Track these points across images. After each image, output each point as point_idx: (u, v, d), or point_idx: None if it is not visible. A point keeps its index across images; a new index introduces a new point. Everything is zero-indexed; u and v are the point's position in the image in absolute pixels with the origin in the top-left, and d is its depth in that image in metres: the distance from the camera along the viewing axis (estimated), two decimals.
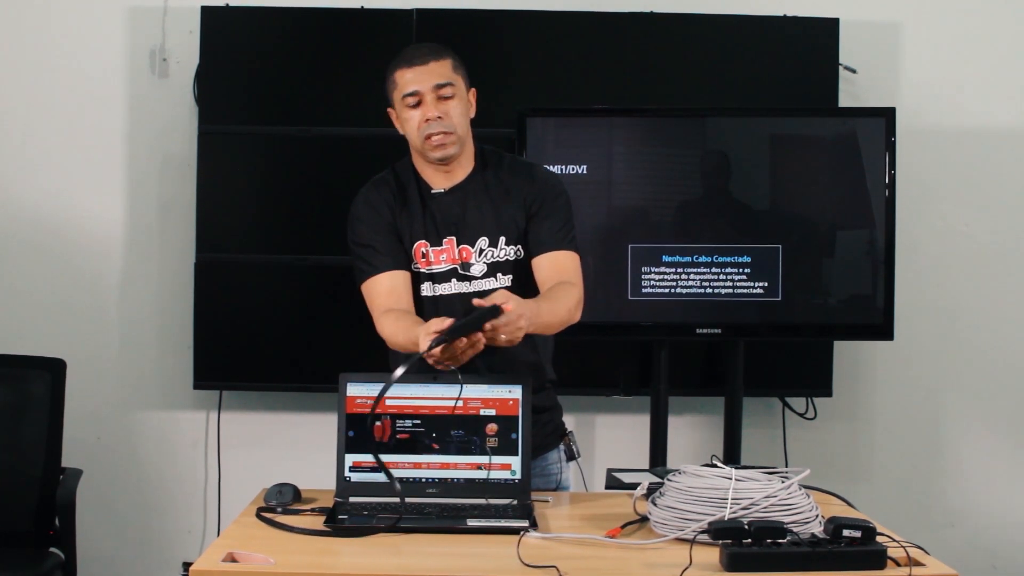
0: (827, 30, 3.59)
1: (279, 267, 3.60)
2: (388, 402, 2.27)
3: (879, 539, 1.88)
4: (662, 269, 3.27)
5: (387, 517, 2.07)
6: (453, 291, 2.43)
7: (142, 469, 3.74)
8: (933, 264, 3.74)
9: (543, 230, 2.43)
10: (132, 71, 3.69)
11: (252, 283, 3.61)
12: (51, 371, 3.19)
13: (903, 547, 1.89)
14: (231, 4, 3.59)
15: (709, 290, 3.29)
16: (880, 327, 3.33)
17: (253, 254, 3.60)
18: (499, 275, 2.44)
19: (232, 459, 3.73)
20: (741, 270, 3.29)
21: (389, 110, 2.49)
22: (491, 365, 2.35)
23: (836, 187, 3.35)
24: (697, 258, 3.28)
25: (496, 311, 2.11)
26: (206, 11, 3.56)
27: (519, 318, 2.14)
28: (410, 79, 2.40)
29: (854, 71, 3.65)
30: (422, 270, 2.44)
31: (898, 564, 1.87)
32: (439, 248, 2.44)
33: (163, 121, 3.68)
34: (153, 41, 3.68)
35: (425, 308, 2.42)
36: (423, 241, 2.44)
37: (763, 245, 3.29)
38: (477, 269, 2.44)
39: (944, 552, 2.07)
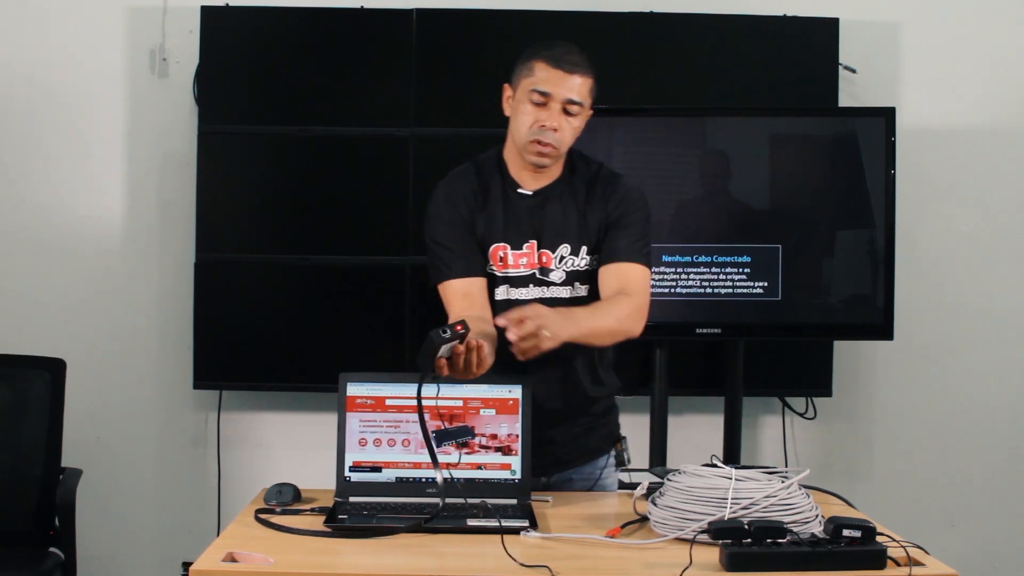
0: (827, 30, 3.59)
1: (279, 267, 3.60)
2: (388, 402, 2.27)
3: (879, 539, 1.88)
4: (662, 269, 3.27)
5: (387, 517, 2.07)
6: (531, 296, 2.36)
7: (142, 469, 3.74)
8: (933, 264, 3.75)
9: (617, 240, 2.37)
10: (132, 71, 3.69)
11: (252, 283, 3.60)
12: (51, 371, 3.19)
13: (903, 547, 1.89)
14: (231, 4, 3.59)
15: (709, 290, 3.29)
16: (880, 327, 3.33)
17: (253, 254, 3.60)
18: (577, 284, 2.38)
19: (232, 459, 3.73)
20: (741, 270, 3.29)
21: (506, 86, 2.40)
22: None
23: (836, 187, 3.35)
24: (697, 258, 3.28)
25: (444, 332, 1.98)
26: (206, 11, 3.56)
27: (536, 326, 2.05)
28: (549, 79, 2.30)
29: (854, 71, 3.65)
30: (498, 273, 2.38)
31: (898, 564, 1.87)
32: (519, 252, 2.38)
33: (163, 121, 3.68)
34: (153, 41, 3.68)
35: (498, 312, 2.33)
36: (502, 244, 2.38)
37: (763, 245, 3.29)
38: (556, 276, 2.38)
39: (944, 552, 2.07)
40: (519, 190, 2.40)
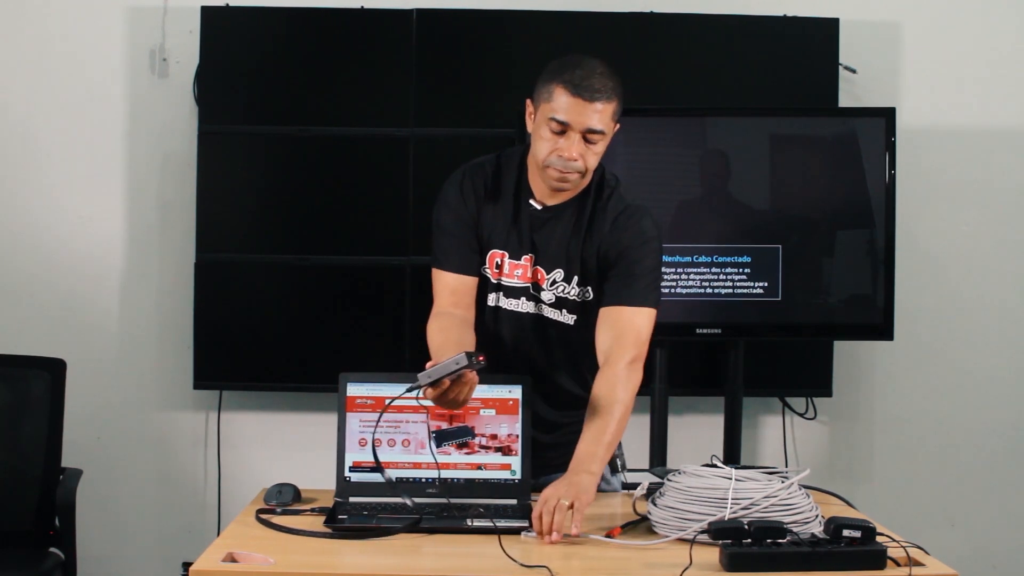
0: (827, 30, 3.59)
1: (279, 267, 3.60)
2: (388, 402, 2.27)
3: (879, 539, 1.88)
4: (662, 269, 3.26)
5: (387, 517, 2.07)
6: (522, 309, 2.34)
7: (142, 469, 3.74)
8: (933, 264, 3.74)
9: (616, 286, 2.28)
10: (132, 71, 3.69)
11: (252, 283, 3.61)
12: (51, 371, 3.18)
13: (903, 547, 1.89)
14: (231, 4, 3.59)
15: (709, 290, 3.28)
16: (880, 327, 3.33)
17: (253, 254, 3.60)
18: (564, 311, 2.34)
19: (232, 459, 3.73)
20: (741, 270, 3.29)
21: (528, 102, 2.30)
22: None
23: (836, 187, 3.35)
24: (697, 258, 3.28)
25: (472, 359, 1.99)
26: (206, 11, 3.56)
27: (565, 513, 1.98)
28: (569, 107, 2.17)
29: (854, 71, 3.65)
30: (492, 279, 2.34)
31: (898, 564, 1.87)
32: (517, 263, 2.33)
33: (163, 121, 3.68)
34: (153, 41, 3.68)
35: (487, 317, 2.35)
36: (502, 251, 2.33)
37: (763, 245, 3.29)
38: (547, 296, 2.34)
39: (944, 552, 2.07)
40: (531, 201, 2.34)
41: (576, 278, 2.33)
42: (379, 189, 3.58)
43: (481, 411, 2.27)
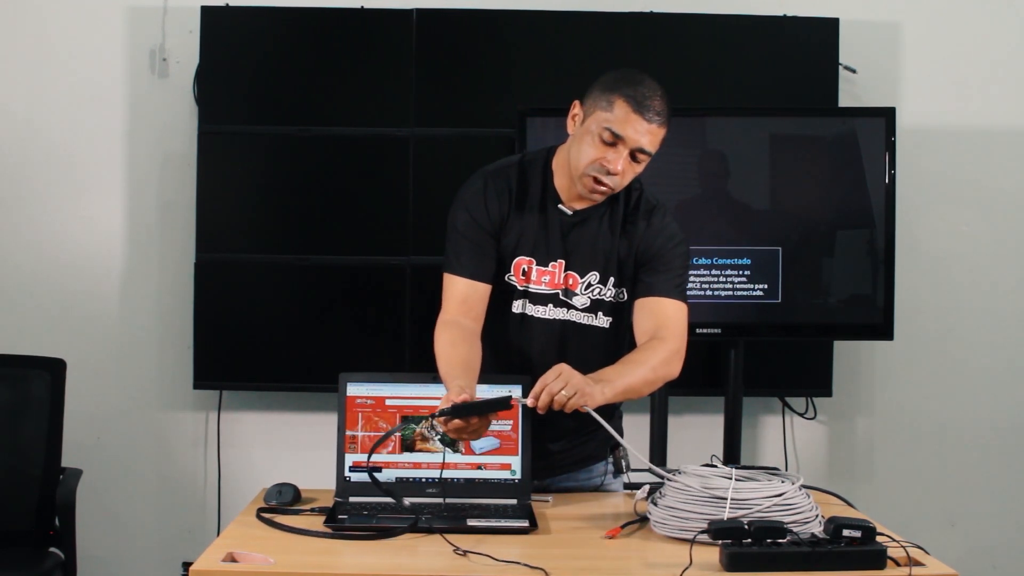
0: (827, 30, 3.59)
1: (279, 267, 3.60)
2: (388, 402, 2.27)
3: (879, 539, 1.88)
4: None
5: (387, 517, 2.07)
6: (550, 316, 2.31)
7: (142, 469, 3.74)
8: (933, 264, 3.75)
9: (655, 275, 2.31)
10: (132, 71, 3.69)
11: (252, 283, 3.60)
12: (51, 371, 3.19)
13: (903, 547, 1.89)
14: (231, 4, 3.59)
15: (709, 292, 3.28)
16: (880, 327, 3.33)
17: (253, 254, 3.60)
18: (600, 313, 2.33)
19: (232, 459, 3.73)
20: (741, 272, 3.28)
21: (576, 103, 2.28)
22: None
23: (836, 187, 3.35)
24: (696, 260, 3.27)
25: (507, 403, 2.06)
26: (206, 11, 3.56)
27: (568, 395, 2.06)
28: (627, 122, 2.17)
29: (854, 71, 3.65)
30: (518, 287, 2.32)
31: (898, 564, 1.87)
32: (544, 269, 2.31)
33: (163, 121, 3.68)
34: (153, 41, 3.68)
35: (511, 325, 2.32)
36: (528, 258, 2.31)
37: (763, 248, 3.29)
38: (580, 301, 2.32)
39: (944, 552, 2.08)
40: (560, 206, 2.32)
41: (612, 279, 2.33)
42: (379, 189, 3.58)
43: None
